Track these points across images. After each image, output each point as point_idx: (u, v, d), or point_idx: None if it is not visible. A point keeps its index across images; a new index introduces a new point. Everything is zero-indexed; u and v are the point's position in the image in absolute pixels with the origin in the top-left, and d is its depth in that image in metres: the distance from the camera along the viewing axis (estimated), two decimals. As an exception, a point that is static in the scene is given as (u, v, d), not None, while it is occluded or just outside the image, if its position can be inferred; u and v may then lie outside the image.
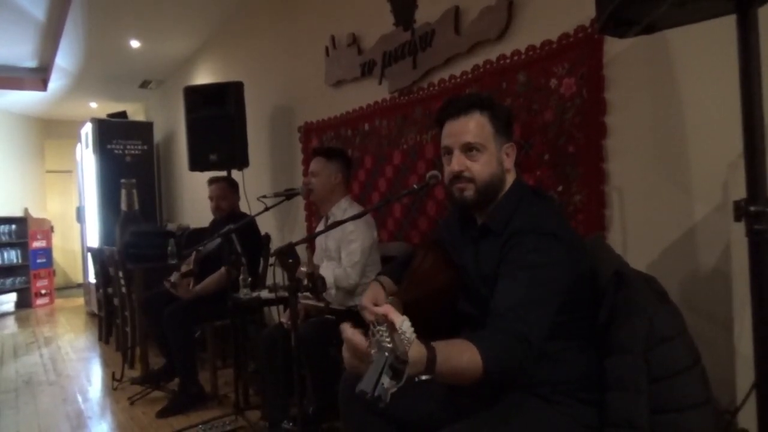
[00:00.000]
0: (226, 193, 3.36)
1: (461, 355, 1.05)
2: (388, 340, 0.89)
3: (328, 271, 2.36)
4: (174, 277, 3.13)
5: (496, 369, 1.07)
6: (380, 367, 0.85)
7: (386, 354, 0.87)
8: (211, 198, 3.34)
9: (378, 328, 0.91)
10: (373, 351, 0.90)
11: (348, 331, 0.99)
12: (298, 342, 1.71)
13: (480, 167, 1.33)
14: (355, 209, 2.47)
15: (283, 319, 2.44)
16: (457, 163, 1.34)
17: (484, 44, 2.24)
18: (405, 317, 0.96)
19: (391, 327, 0.91)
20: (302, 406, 1.79)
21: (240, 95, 3.73)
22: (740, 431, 1.20)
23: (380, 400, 0.83)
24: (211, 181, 3.40)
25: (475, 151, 1.33)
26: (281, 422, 2.38)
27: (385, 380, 0.86)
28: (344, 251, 2.43)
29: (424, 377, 0.98)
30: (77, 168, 7.39)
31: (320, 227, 2.59)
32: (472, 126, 1.34)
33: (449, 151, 1.38)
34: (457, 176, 1.35)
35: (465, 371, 1.05)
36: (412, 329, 0.95)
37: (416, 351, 0.95)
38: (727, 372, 1.35)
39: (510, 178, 1.40)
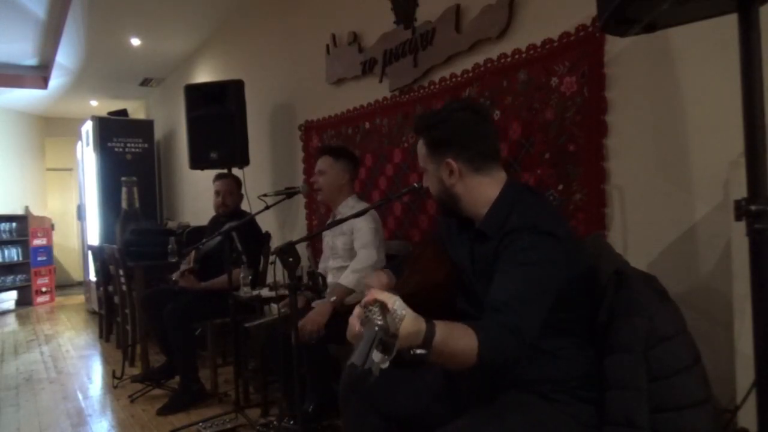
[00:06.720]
0: (232, 189, 3.36)
1: (460, 338, 1.07)
2: (379, 318, 0.90)
3: (349, 277, 2.33)
4: (176, 275, 3.13)
5: (490, 359, 1.08)
6: (370, 341, 0.86)
7: (376, 329, 0.88)
8: (217, 193, 3.31)
9: (370, 308, 0.92)
10: (364, 329, 0.91)
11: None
12: (298, 339, 1.72)
13: (429, 185, 1.48)
14: (361, 207, 2.46)
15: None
16: (423, 179, 1.53)
17: (485, 43, 2.24)
18: (397, 297, 0.97)
19: (383, 307, 0.92)
20: (302, 404, 1.79)
21: (241, 93, 3.73)
22: (740, 430, 1.20)
23: (370, 374, 0.84)
24: (219, 177, 3.39)
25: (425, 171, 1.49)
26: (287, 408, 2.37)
27: (376, 355, 0.87)
28: (356, 242, 2.42)
29: (419, 351, 1.00)
30: (78, 166, 7.40)
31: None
32: (418, 150, 1.48)
33: None
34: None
35: (461, 355, 1.07)
36: (403, 307, 0.96)
37: (414, 323, 0.99)
38: (727, 371, 1.36)
39: (471, 189, 1.38)
